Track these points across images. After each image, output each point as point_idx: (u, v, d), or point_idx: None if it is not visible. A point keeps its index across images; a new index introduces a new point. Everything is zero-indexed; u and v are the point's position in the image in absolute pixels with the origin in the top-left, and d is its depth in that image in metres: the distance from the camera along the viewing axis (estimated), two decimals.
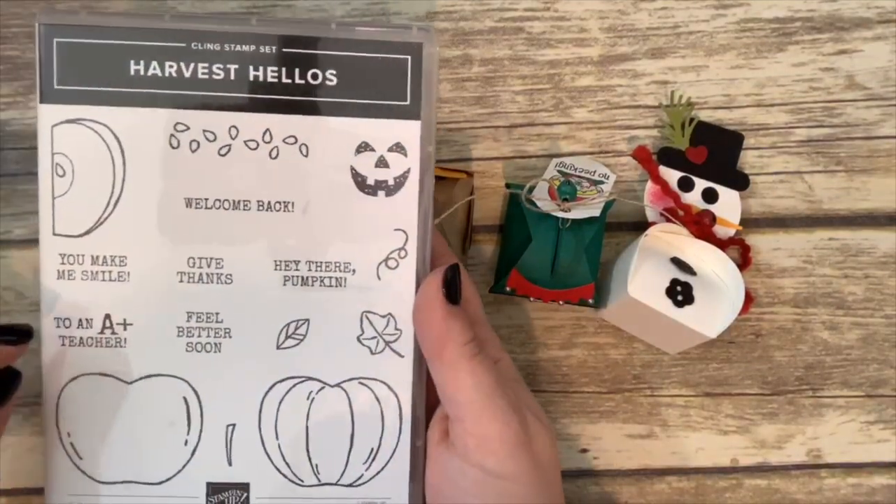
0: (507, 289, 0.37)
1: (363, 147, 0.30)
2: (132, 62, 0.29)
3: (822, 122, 0.41)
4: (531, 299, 0.38)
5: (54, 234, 0.30)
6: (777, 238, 0.41)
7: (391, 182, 0.30)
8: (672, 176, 0.40)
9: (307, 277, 0.30)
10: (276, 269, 0.30)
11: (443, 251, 0.33)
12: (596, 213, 0.37)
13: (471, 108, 0.40)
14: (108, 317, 0.30)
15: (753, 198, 0.41)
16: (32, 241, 0.39)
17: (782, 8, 0.41)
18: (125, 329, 0.30)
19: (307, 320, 0.30)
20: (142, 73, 0.29)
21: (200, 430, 0.31)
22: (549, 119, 0.41)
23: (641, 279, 0.36)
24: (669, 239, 0.39)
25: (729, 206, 0.40)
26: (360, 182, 0.30)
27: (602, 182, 0.39)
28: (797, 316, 0.41)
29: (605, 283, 0.39)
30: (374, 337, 0.31)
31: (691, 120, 0.40)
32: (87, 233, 0.30)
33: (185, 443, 0.31)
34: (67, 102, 0.29)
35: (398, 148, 0.30)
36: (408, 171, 0.30)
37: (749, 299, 0.38)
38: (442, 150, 0.40)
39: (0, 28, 0.39)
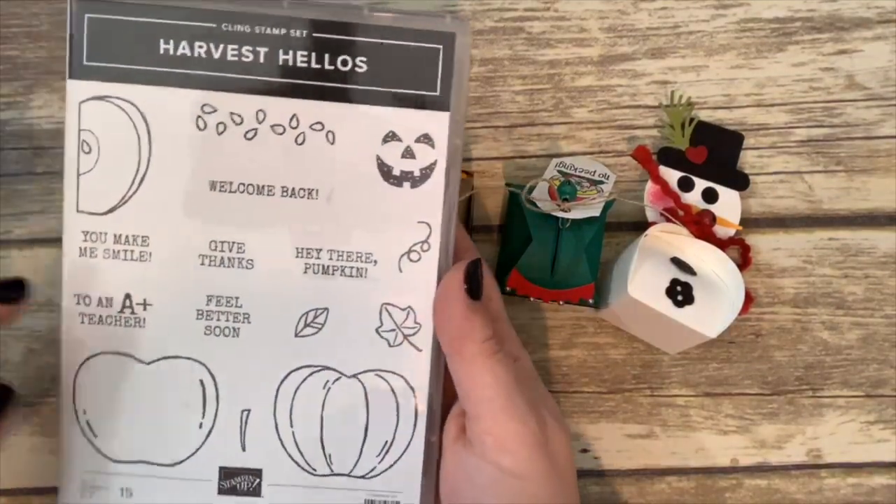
0: (507, 289, 0.37)
1: (390, 136, 0.30)
2: (162, 41, 0.29)
3: (822, 122, 0.41)
4: (531, 299, 0.38)
5: (78, 210, 0.29)
6: (777, 238, 0.41)
7: (417, 173, 0.30)
8: (672, 176, 0.40)
9: (328, 266, 0.30)
10: (297, 257, 0.30)
11: (466, 246, 0.32)
12: (596, 213, 0.37)
13: (471, 108, 0.40)
14: (128, 296, 0.30)
15: (753, 198, 0.41)
16: (33, 241, 0.39)
17: (782, 8, 0.41)
18: (145, 309, 0.30)
19: (326, 309, 0.30)
20: (171, 52, 0.29)
21: (215, 414, 0.30)
22: (549, 119, 0.41)
23: (641, 279, 0.36)
24: (669, 239, 0.39)
25: (729, 206, 0.40)
26: (385, 172, 0.30)
27: (602, 182, 0.39)
28: (797, 316, 0.41)
29: (605, 283, 0.39)
30: (393, 329, 0.30)
31: (691, 120, 0.40)
32: (111, 211, 0.29)
33: (200, 426, 0.30)
34: (96, 79, 0.29)
35: (426, 139, 0.30)
36: (434, 163, 0.30)
37: (749, 299, 0.38)
38: None
39: (0, 28, 0.39)
